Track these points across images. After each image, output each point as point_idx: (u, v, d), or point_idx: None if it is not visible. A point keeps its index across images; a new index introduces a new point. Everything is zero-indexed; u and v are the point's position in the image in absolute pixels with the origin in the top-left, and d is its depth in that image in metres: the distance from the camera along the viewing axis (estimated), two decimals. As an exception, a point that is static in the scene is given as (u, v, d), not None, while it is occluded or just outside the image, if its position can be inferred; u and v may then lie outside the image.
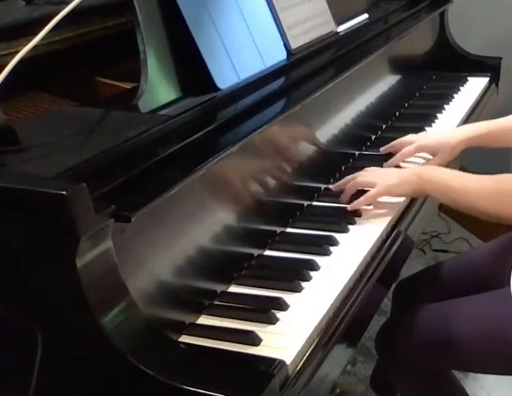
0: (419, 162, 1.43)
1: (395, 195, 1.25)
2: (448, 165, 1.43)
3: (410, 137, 1.46)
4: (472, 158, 1.53)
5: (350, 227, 1.19)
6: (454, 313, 1.24)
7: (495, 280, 1.30)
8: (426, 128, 1.64)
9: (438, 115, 1.73)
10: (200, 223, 0.98)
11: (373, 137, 1.61)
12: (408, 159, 1.43)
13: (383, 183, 1.23)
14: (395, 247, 1.17)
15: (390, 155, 1.47)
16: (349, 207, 1.22)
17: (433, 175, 1.21)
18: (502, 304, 1.21)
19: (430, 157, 1.44)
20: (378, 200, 1.25)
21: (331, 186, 1.32)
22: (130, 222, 0.79)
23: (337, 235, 1.15)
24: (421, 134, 1.50)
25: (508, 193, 1.13)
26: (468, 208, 1.18)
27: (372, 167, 1.32)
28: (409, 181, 1.22)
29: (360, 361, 1.90)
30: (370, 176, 1.27)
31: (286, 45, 1.33)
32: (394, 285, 1.49)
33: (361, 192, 1.25)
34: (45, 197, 0.72)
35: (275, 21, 1.32)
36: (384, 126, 1.67)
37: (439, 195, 1.22)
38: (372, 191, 1.23)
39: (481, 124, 1.45)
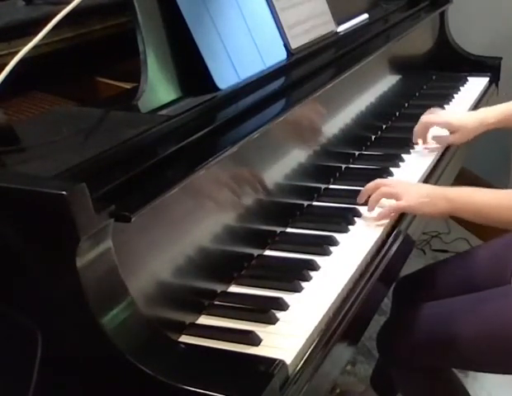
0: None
1: (420, 213, 1.23)
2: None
3: (429, 116, 1.51)
4: (473, 159, 1.53)
5: (350, 227, 1.19)
6: (454, 311, 1.25)
7: (494, 280, 1.30)
8: (426, 128, 1.64)
9: (438, 115, 1.73)
10: (200, 223, 0.98)
11: (373, 137, 1.61)
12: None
13: (408, 198, 1.19)
14: (395, 247, 1.17)
15: (390, 154, 1.48)
16: (375, 219, 1.19)
17: (461, 195, 1.20)
18: (502, 301, 1.22)
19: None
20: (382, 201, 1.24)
21: (357, 200, 1.25)
22: (130, 222, 0.79)
23: (337, 235, 1.15)
24: (446, 112, 1.58)
25: None
26: (502, 222, 1.18)
27: (393, 178, 1.32)
28: (435, 202, 1.19)
29: (360, 361, 1.90)
30: (394, 187, 1.22)
31: (286, 45, 1.33)
32: (394, 283, 1.49)
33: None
34: (45, 197, 0.72)
35: (275, 21, 1.32)
36: (384, 126, 1.67)
37: (471, 214, 1.20)
38: (401, 203, 1.19)
39: (503, 108, 1.47)
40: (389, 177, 1.38)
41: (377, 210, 1.21)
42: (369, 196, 1.23)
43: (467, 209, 1.19)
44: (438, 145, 1.51)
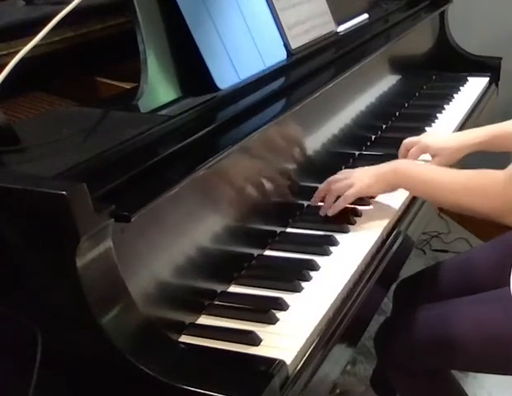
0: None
1: (373, 193, 1.24)
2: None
3: (412, 139, 1.44)
4: (473, 159, 1.53)
5: (350, 227, 1.19)
6: (454, 313, 1.24)
7: (494, 280, 1.30)
8: (426, 128, 1.64)
9: (438, 115, 1.73)
10: (200, 223, 0.98)
11: (373, 137, 1.61)
12: None
13: (358, 183, 1.21)
14: (395, 247, 1.17)
15: (390, 154, 1.47)
16: (329, 212, 1.20)
17: (408, 169, 1.21)
18: (502, 303, 1.22)
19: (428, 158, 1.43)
20: (376, 200, 1.25)
21: (311, 202, 1.27)
22: (130, 222, 0.79)
23: (337, 235, 1.15)
24: (424, 135, 1.47)
25: (476, 187, 1.13)
26: (447, 203, 1.19)
27: (347, 170, 1.29)
28: (384, 176, 1.21)
29: (360, 361, 1.90)
30: (345, 180, 1.23)
31: (286, 45, 1.33)
32: (395, 285, 1.49)
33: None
34: (45, 197, 0.72)
35: (275, 21, 1.32)
36: (384, 126, 1.67)
37: (416, 189, 1.23)
38: (349, 191, 1.20)
39: (487, 129, 1.41)
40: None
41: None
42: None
43: (412, 184, 1.21)
44: None
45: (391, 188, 1.24)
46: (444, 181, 1.17)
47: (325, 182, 1.26)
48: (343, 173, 1.28)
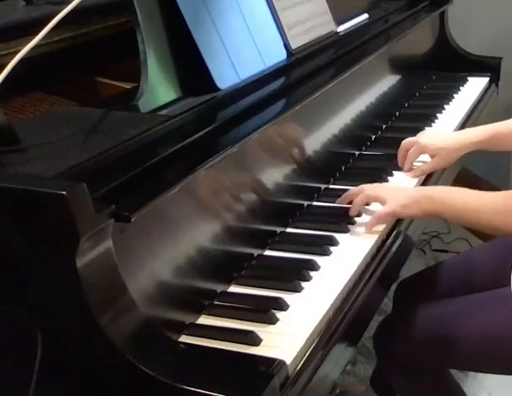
0: (417, 164, 1.42)
1: (405, 217, 1.21)
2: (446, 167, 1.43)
3: (410, 140, 1.44)
4: (473, 159, 1.53)
5: (350, 227, 1.19)
6: (454, 313, 1.24)
7: (495, 280, 1.30)
8: (426, 128, 1.64)
9: (438, 115, 1.73)
10: (200, 223, 0.98)
11: (373, 137, 1.61)
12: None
13: (393, 202, 1.17)
14: (395, 247, 1.17)
15: (390, 154, 1.47)
16: (365, 232, 1.17)
17: (444, 196, 1.17)
18: (502, 303, 1.22)
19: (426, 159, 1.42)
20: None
21: (337, 201, 1.26)
22: (130, 222, 0.79)
23: (337, 235, 1.15)
24: (421, 135, 1.47)
25: None
26: (483, 226, 1.15)
27: (379, 184, 1.28)
28: (419, 202, 1.17)
29: (360, 361, 1.90)
30: (379, 190, 1.22)
31: (286, 45, 1.33)
32: (395, 285, 1.49)
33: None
34: (45, 197, 0.72)
35: (275, 21, 1.32)
36: (384, 126, 1.67)
37: (452, 216, 1.18)
38: (381, 212, 1.17)
39: (485, 128, 1.41)
40: (388, 178, 1.38)
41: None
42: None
43: (448, 211, 1.16)
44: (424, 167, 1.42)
45: (424, 215, 1.18)
46: (484, 205, 1.13)
47: (357, 188, 1.23)
48: (376, 185, 1.26)
